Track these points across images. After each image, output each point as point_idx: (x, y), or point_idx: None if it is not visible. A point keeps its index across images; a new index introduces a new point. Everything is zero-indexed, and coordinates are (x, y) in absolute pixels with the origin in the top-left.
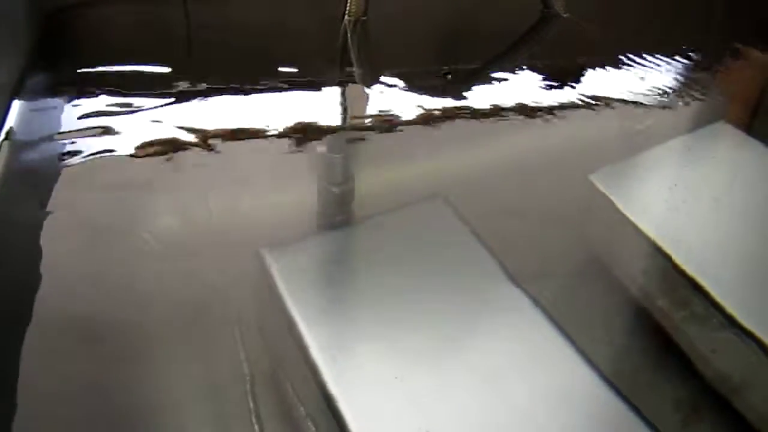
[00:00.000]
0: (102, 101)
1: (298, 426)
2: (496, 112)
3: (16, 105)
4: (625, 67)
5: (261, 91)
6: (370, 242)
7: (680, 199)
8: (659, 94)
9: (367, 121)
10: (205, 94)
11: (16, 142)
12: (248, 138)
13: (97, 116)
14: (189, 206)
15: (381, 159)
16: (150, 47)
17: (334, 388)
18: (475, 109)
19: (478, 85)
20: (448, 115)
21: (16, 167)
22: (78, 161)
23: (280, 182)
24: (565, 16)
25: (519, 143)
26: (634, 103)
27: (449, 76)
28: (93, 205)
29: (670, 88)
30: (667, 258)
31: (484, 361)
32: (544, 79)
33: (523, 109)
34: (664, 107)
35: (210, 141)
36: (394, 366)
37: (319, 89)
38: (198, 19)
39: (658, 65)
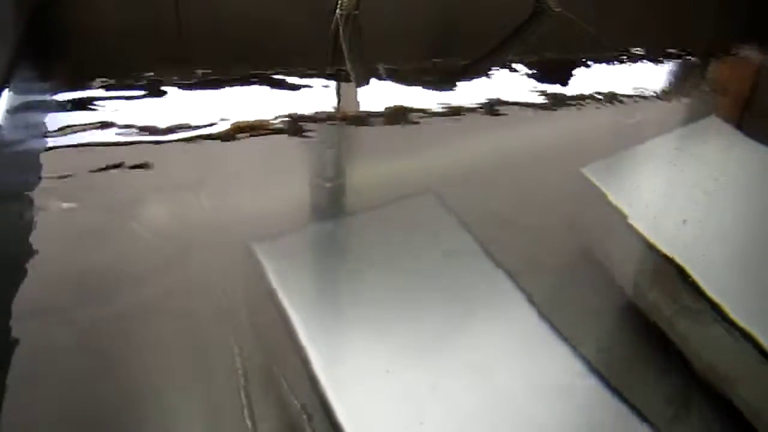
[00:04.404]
0: (90, 93)
1: (291, 419)
2: (489, 106)
3: (4, 97)
4: (616, 62)
5: (252, 84)
6: (362, 236)
7: (672, 193)
8: (651, 89)
9: (358, 115)
10: (195, 86)
11: (4, 135)
12: (239, 132)
13: (85, 108)
14: (180, 199)
15: (372, 154)
16: (139, 39)
17: (326, 382)
18: (467, 104)
19: (471, 79)
20: (440, 110)
21: (4, 159)
22: (66, 152)
23: (271, 176)
24: (557, 10)
25: (511, 137)
26: (627, 97)
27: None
28: (82, 195)
29: (661, 83)
30: (659, 252)
31: (476, 354)
32: (536, 74)
33: (515, 104)
34: (655, 102)
35: (201, 134)
36: (387, 359)
37: (310, 84)
38: (188, 10)
39: (650, 60)
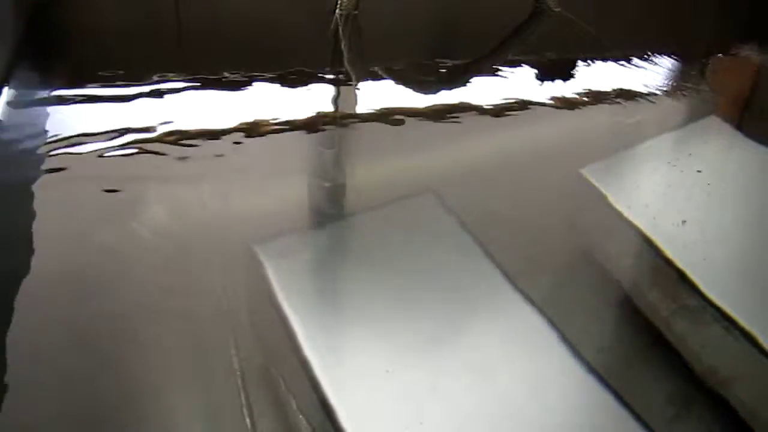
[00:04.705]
0: (89, 92)
1: (290, 420)
2: (488, 106)
3: (4, 96)
4: (616, 61)
5: (251, 85)
6: (361, 237)
7: (671, 193)
8: (650, 89)
9: (358, 115)
10: (194, 87)
11: (3, 133)
12: (239, 132)
13: (85, 109)
14: (180, 200)
15: (372, 154)
16: (139, 40)
17: (325, 383)
18: (466, 104)
19: (470, 79)
20: (439, 109)
21: (4, 158)
22: (66, 151)
23: (271, 176)
24: (557, 10)
25: (510, 138)
26: (626, 97)
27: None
28: (81, 194)
29: (661, 83)
30: (659, 252)
31: (476, 355)
32: (535, 74)
33: (514, 104)
34: (655, 102)
35: (200, 135)
36: (386, 360)
37: (309, 84)
38: (188, 10)
39: (650, 60)
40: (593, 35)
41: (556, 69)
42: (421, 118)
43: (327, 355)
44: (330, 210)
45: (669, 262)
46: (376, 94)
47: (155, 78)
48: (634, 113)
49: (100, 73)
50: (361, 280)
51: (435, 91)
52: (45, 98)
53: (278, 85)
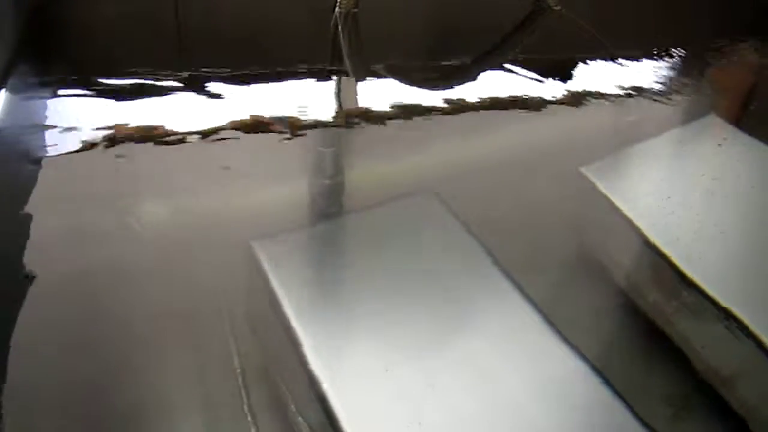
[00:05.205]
0: (89, 92)
1: (289, 419)
2: (488, 105)
3: (2, 98)
4: (616, 60)
5: (251, 83)
6: (361, 235)
7: (672, 192)
8: (650, 88)
9: (358, 113)
10: (194, 85)
11: (2, 134)
12: (238, 130)
13: (85, 108)
14: (178, 198)
15: (372, 152)
16: (139, 39)
17: (324, 382)
18: (466, 103)
19: (470, 78)
20: (439, 108)
21: (3, 158)
22: (66, 152)
23: (271, 175)
24: (557, 9)
25: (510, 137)
26: (626, 96)
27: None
28: (81, 195)
29: (660, 81)
30: (659, 251)
31: (475, 354)
32: (535, 73)
33: (514, 103)
34: (654, 101)
35: (199, 133)
36: (385, 359)
37: (310, 82)
38: (187, 10)
39: (650, 59)
40: (593, 34)
41: (556, 68)
42: (420, 116)
43: (326, 353)
44: (329, 208)
45: (669, 261)
46: (376, 93)
47: (154, 77)
48: (634, 112)
49: (99, 72)
50: (361, 279)
51: (435, 90)
52: (44, 97)
53: (277, 84)
